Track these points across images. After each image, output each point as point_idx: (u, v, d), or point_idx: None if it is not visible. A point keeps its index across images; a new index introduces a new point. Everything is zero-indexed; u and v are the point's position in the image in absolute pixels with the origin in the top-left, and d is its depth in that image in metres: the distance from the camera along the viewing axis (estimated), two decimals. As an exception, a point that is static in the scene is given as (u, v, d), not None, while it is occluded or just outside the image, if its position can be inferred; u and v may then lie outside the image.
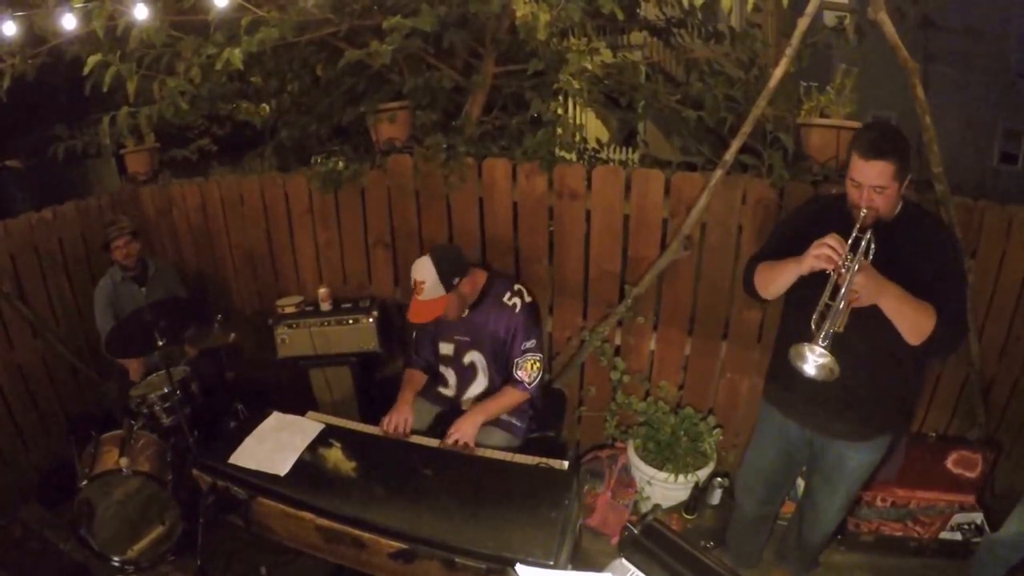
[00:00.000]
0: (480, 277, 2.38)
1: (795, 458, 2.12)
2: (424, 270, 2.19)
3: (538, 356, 2.35)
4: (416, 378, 2.50)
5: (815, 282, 1.64)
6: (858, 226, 1.60)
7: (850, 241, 1.58)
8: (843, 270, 1.55)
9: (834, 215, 1.69)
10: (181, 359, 3.01)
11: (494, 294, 2.35)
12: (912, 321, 1.60)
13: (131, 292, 3.07)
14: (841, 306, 1.53)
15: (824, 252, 1.57)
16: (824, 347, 1.52)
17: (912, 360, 1.79)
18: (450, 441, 2.17)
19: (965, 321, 1.76)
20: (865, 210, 1.61)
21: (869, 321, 1.61)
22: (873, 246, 1.60)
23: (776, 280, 1.79)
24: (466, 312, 2.37)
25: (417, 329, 2.53)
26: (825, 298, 1.58)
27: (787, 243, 1.78)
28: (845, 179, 1.69)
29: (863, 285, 1.54)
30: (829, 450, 1.97)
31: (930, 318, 1.59)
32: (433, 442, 2.20)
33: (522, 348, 2.32)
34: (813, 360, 1.55)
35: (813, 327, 1.57)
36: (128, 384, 2.92)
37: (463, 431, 2.19)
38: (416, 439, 2.24)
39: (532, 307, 2.40)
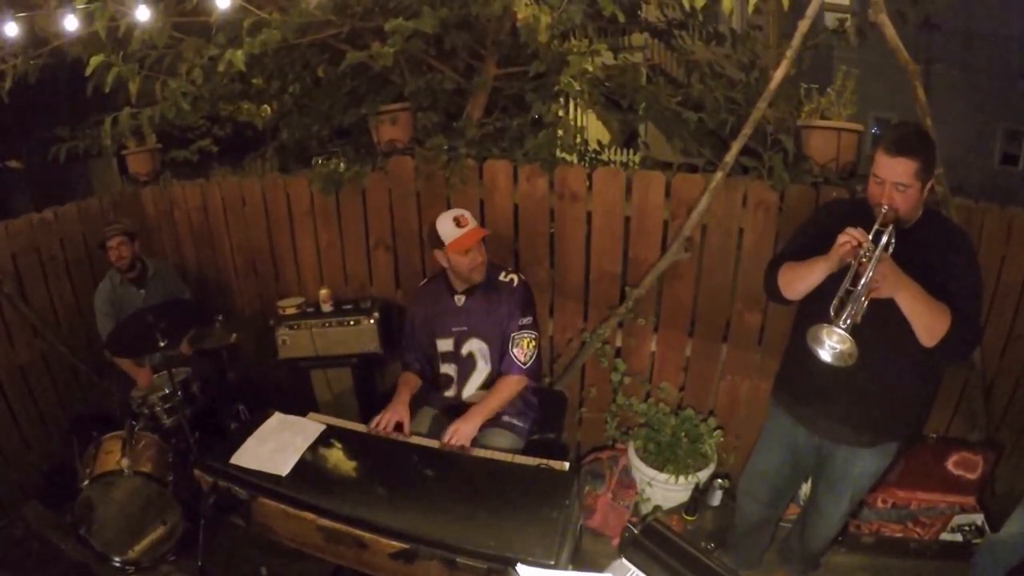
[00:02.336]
0: None
1: (802, 463, 2.11)
2: (459, 209, 2.39)
3: (534, 335, 2.35)
4: (411, 380, 2.49)
5: (832, 289, 1.62)
6: (879, 222, 1.60)
7: (871, 234, 1.58)
8: (863, 258, 1.54)
9: (856, 217, 1.68)
10: (178, 359, 3.00)
11: (489, 277, 2.38)
12: (927, 320, 1.60)
13: (130, 295, 3.07)
14: (861, 295, 1.52)
15: (847, 240, 1.58)
16: (844, 329, 1.49)
17: (925, 366, 1.79)
18: (449, 443, 2.17)
19: (980, 327, 1.75)
20: (885, 207, 1.61)
21: (885, 324, 1.61)
22: (893, 240, 1.59)
23: (804, 279, 1.76)
24: (462, 300, 2.38)
25: (411, 326, 2.53)
26: (846, 284, 1.57)
27: (810, 244, 1.78)
28: (868, 176, 1.69)
29: (883, 275, 1.54)
30: (837, 456, 1.96)
31: (945, 319, 1.59)
32: (434, 443, 2.20)
33: (519, 324, 2.33)
34: (831, 342, 1.51)
35: (832, 313, 1.55)
36: (130, 385, 2.92)
37: (461, 432, 2.18)
38: (416, 440, 2.24)
39: (527, 285, 2.42)
